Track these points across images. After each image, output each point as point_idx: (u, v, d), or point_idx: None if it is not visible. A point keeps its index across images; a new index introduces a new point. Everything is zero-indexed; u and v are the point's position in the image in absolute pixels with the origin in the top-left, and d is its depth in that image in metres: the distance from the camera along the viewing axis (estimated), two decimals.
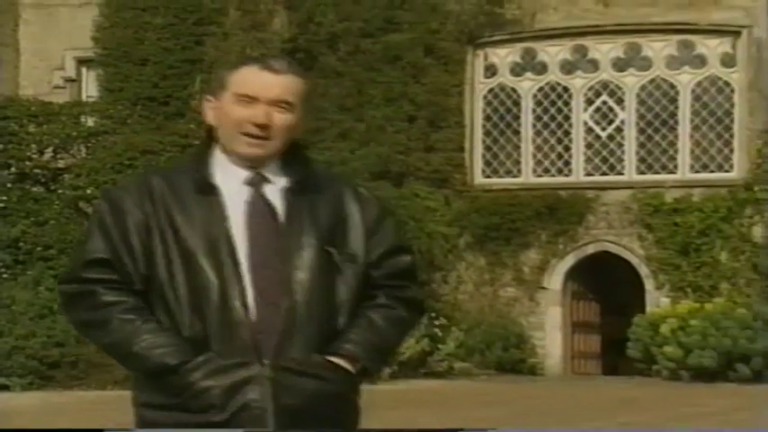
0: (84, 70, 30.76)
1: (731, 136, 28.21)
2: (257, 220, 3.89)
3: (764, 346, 25.30)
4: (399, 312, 4.03)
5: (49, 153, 27.58)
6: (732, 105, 28.19)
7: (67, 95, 29.93)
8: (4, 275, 25.56)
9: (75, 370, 23.39)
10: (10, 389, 22.78)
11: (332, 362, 3.86)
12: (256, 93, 3.89)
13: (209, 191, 3.90)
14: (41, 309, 24.22)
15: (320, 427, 3.83)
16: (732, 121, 28.18)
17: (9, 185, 27.10)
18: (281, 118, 3.91)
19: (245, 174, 3.94)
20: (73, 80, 30.62)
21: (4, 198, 26.81)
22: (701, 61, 28.43)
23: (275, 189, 3.94)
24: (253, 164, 3.94)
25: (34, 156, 27.58)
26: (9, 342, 23.51)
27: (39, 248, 26.01)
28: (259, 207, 3.91)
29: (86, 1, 29.86)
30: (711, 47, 28.38)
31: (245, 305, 3.80)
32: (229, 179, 3.93)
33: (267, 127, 3.89)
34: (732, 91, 28.21)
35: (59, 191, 27.02)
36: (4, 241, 26.03)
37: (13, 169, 27.35)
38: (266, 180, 3.94)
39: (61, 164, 27.48)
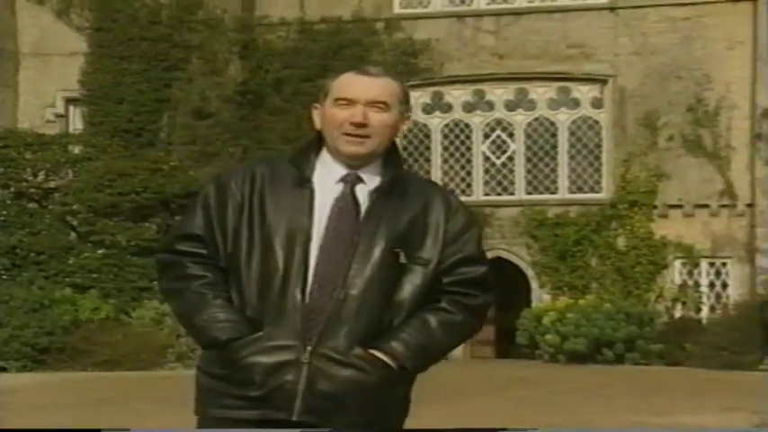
0: (71, 107, 30.52)
1: (600, 164, 28.38)
2: (338, 215, 3.54)
3: (625, 334, 25.51)
4: (457, 317, 3.59)
5: (41, 175, 27.49)
6: (600, 139, 28.37)
7: (57, 128, 29.72)
8: (3, 277, 25.68)
9: (62, 355, 23.38)
10: (7, 371, 22.90)
11: (372, 354, 3.47)
12: (354, 95, 3.58)
13: (302, 184, 3.57)
14: (34, 304, 24.27)
15: (355, 415, 3.46)
16: (600, 152, 28.37)
17: (8, 202, 27.13)
18: (377, 117, 3.57)
19: (342, 172, 3.60)
20: (62, 116, 30.38)
21: (4, 212, 26.91)
22: (575, 104, 28.60)
23: (366, 188, 3.58)
24: (355, 162, 3.60)
25: (29, 178, 27.51)
26: (6, 332, 23.62)
27: (32, 254, 26.02)
28: (344, 204, 3.55)
29: (74, 51, 29.78)
30: (584, 92, 28.56)
31: (302, 293, 3.47)
32: (327, 176, 3.59)
33: (365, 125, 3.56)
34: (600, 128, 28.38)
35: (50, 207, 27.19)
36: (3, 248, 26.00)
37: (11, 189, 27.31)
38: (360, 179, 3.59)
39: (52, 184, 27.43)
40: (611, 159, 28.07)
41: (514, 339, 27.02)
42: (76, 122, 30.38)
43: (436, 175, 28.95)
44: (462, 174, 29.09)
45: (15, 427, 12.52)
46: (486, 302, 3.67)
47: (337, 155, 3.61)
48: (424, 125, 29.28)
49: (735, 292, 27.13)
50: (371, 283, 3.48)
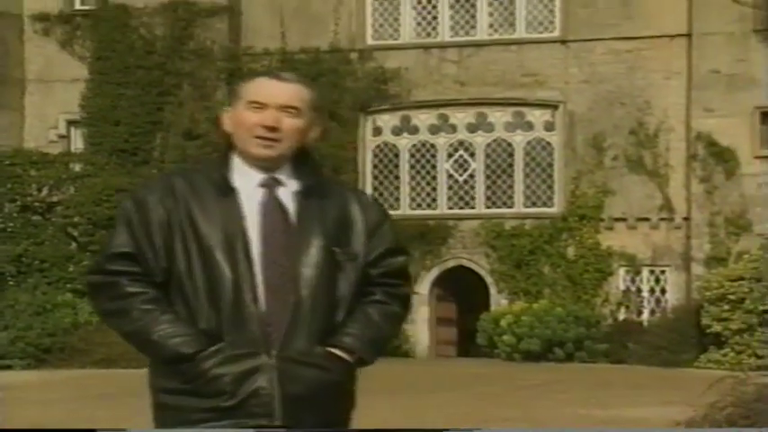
0: (73, 129, 30.39)
1: (552, 181, 28.42)
2: (270, 219, 3.32)
3: (574, 335, 25.56)
4: (394, 308, 3.45)
5: (45, 191, 27.34)
6: (552, 159, 28.39)
7: (60, 148, 29.59)
8: (10, 282, 25.52)
9: (63, 354, 23.30)
10: (13, 368, 22.82)
11: (332, 353, 3.31)
12: (266, 99, 3.35)
13: (227, 192, 3.34)
14: (38, 308, 24.24)
15: (320, 414, 3.29)
16: (552, 170, 28.39)
17: (14, 215, 26.96)
18: (289, 122, 3.35)
19: (260, 176, 3.37)
20: (64, 136, 30.24)
21: (11, 224, 26.75)
22: (529, 126, 28.61)
23: (287, 192, 3.37)
24: (266, 165, 3.37)
25: (34, 193, 27.36)
26: (12, 333, 23.62)
27: (36, 262, 25.85)
28: (272, 208, 3.34)
29: (76, 78, 29.72)
30: (537, 116, 28.58)
31: (255, 299, 3.24)
32: (246, 181, 3.36)
33: (276, 129, 3.33)
34: (552, 148, 28.41)
35: (53, 219, 26.99)
36: (9, 257, 25.84)
37: (17, 202, 27.11)
38: (279, 183, 3.38)
39: (54, 199, 27.28)
40: (562, 177, 28.13)
41: (475, 340, 27.00)
42: (77, 142, 30.25)
43: (405, 191, 29.00)
44: (428, 189, 29.09)
45: (17, 426, 12.40)
46: (409, 291, 3.57)
47: (248, 158, 3.39)
48: (394, 145, 29.29)
49: (672, 297, 27.21)
50: (319, 283, 3.31)
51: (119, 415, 13.35)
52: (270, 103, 3.35)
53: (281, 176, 3.39)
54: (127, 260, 3.33)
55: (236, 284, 3.24)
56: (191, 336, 3.24)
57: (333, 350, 3.31)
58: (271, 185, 3.37)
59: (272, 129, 3.34)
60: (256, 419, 3.23)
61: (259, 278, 3.26)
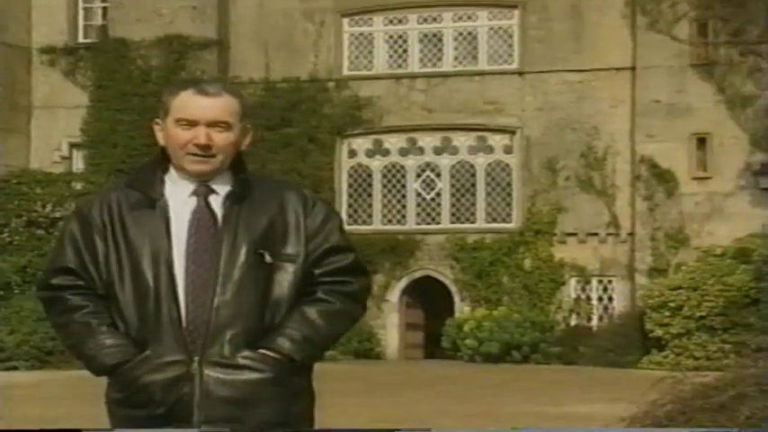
0: (74, 151, 30.30)
1: (510, 199, 28.46)
2: (198, 227, 3.04)
3: (530, 339, 25.59)
4: (336, 305, 3.09)
5: (48, 207, 27.25)
6: (511, 179, 28.44)
7: (63, 168, 29.53)
8: (15, 291, 25.40)
9: (64, 356, 22.93)
10: (18, 369, 22.77)
11: (260, 353, 3.00)
12: (195, 116, 3.04)
13: (155, 203, 3.06)
14: (41, 314, 23.69)
15: (265, 411, 3.00)
16: (511, 189, 28.44)
17: (20, 229, 26.85)
18: (220, 137, 3.05)
19: (191, 186, 3.09)
20: (67, 158, 30.16)
21: (17, 238, 26.68)
22: (490, 150, 28.67)
23: (220, 198, 3.08)
24: (201, 178, 3.09)
25: (39, 209, 27.24)
26: (18, 337, 23.53)
27: (40, 272, 25.27)
28: (201, 215, 3.06)
29: (77, 105, 29.75)
30: (497, 140, 28.64)
31: (176, 307, 2.98)
32: (179, 191, 3.08)
33: (209, 147, 3.03)
34: (511, 170, 28.46)
35: (55, 233, 26.67)
36: (15, 267, 25.72)
37: (23, 218, 27.02)
38: (211, 190, 3.08)
39: (57, 215, 27.08)
40: (519, 195, 28.16)
41: (440, 343, 26.96)
42: (79, 163, 30.17)
43: (377, 208, 28.97)
44: (398, 206, 29.06)
45: (17, 426, 12.27)
46: (362, 287, 3.20)
47: (184, 172, 3.11)
48: (367, 167, 29.26)
49: (618, 305, 27.26)
50: (242, 286, 3.01)
51: None
52: (199, 120, 3.06)
53: (215, 184, 3.11)
54: (70, 275, 3.11)
55: (157, 293, 3.01)
56: (118, 347, 3.02)
57: (262, 351, 3.01)
58: (202, 193, 3.09)
59: (205, 147, 3.05)
60: (184, 425, 2.98)
61: (181, 286, 3.01)
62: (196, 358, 2.97)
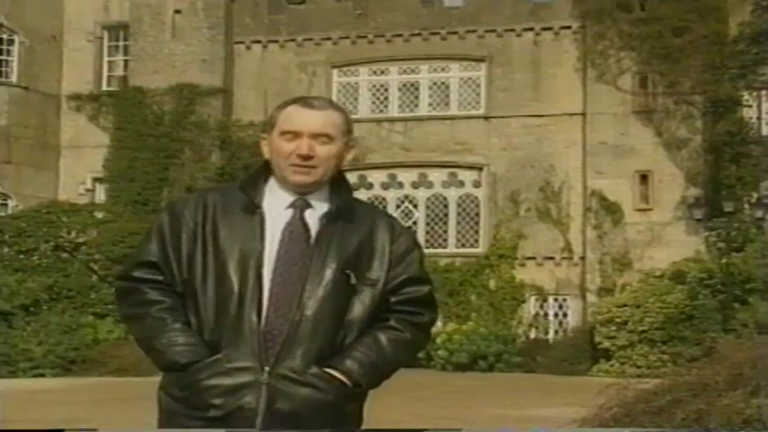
0: (97, 184, 30.27)
1: (478, 227, 28.49)
2: (290, 239, 2.75)
3: (495, 350, 25.49)
4: (405, 335, 2.80)
5: (73, 233, 27.04)
6: (479, 210, 28.48)
7: (86, 199, 29.46)
8: (44, 307, 25.17)
9: (85, 364, 23.02)
10: (45, 376, 22.40)
11: (328, 373, 2.70)
12: (299, 128, 2.78)
13: (253, 210, 2.77)
14: (65, 327, 23.97)
15: (311, 428, 2.69)
16: (479, 219, 28.48)
17: (48, 252, 26.58)
18: (322, 149, 2.78)
19: (290, 198, 2.80)
20: (90, 190, 30.12)
21: (45, 260, 26.38)
22: (461, 184, 28.73)
23: (315, 214, 2.79)
24: (301, 190, 2.80)
25: (64, 235, 27.02)
26: (45, 347, 23.25)
27: (65, 291, 25.52)
28: (294, 228, 2.76)
29: (100, 144, 29.81)
30: (467, 176, 28.71)
31: (258, 315, 2.68)
32: (276, 202, 2.80)
33: (311, 157, 2.76)
34: (479, 201, 28.52)
35: (78, 256, 26.67)
36: (43, 286, 25.47)
37: (51, 243, 26.76)
38: (308, 205, 2.79)
39: (80, 240, 26.97)
40: (485, 224, 28.20)
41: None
42: (100, 195, 30.09)
43: None
44: None
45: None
46: (431, 320, 2.90)
47: (285, 183, 2.82)
48: None
49: (572, 320, 27.27)
50: (324, 304, 2.71)
51: (129, 414, 13.11)
52: (303, 132, 2.79)
53: (314, 199, 2.81)
54: (151, 268, 2.82)
55: (241, 299, 2.70)
56: (191, 346, 2.71)
57: (329, 371, 2.71)
58: (299, 207, 2.80)
59: (307, 157, 2.77)
60: None
61: (266, 295, 2.71)
62: (267, 368, 2.67)
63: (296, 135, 2.78)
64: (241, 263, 2.71)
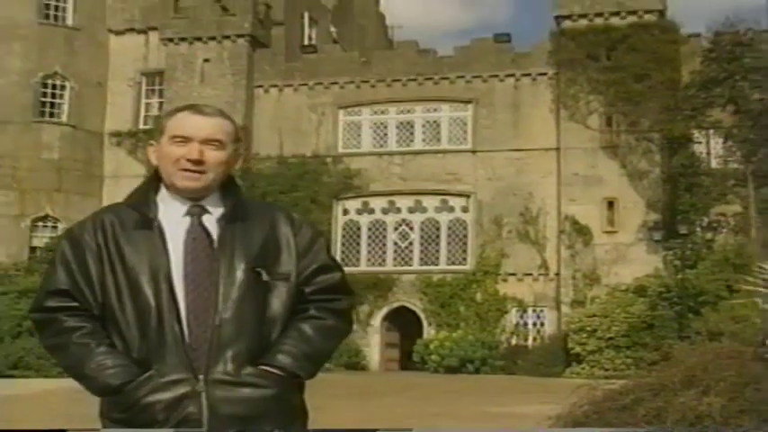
0: None
1: (466, 248, 28.50)
2: (194, 246, 2.40)
3: (481, 355, 25.50)
4: (328, 322, 2.47)
5: None
6: (467, 232, 28.50)
7: None
8: None
9: None
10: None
11: (264, 370, 2.37)
12: (189, 133, 2.43)
13: (149, 225, 2.41)
14: None
15: (269, 426, 2.36)
16: (467, 240, 28.50)
17: None
18: (213, 155, 2.43)
19: (184, 206, 2.44)
20: None
21: None
22: (451, 210, 28.77)
23: (212, 218, 2.44)
24: (192, 196, 2.45)
25: None
26: None
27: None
28: (196, 235, 2.41)
29: (137, 174, 29.47)
30: (457, 202, 28.74)
31: (179, 325, 2.33)
32: (172, 211, 2.43)
33: (201, 162, 2.41)
34: (467, 225, 28.54)
35: None
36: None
37: None
38: (205, 210, 2.44)
39: None
40: (473, 245, 28.22)
41: (412, 358, 26.82)
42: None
43: (363, 254, 28.91)
44: (380, 252, 29.06)
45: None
46: (350, 304, 2.55)
47: (175, 190, 2.45)
48: (356, 222, 29.30)
49: (548, 328, 27.25)
50: (242, 305, 2.38)
51: None
52: (193, 137, 2.44)
53: (207, 204, 2.46)
54: (64, 296, 2.42)
55: (160, 313, 2.34)
56: (121, 367, 2.34)
57: (264, 367, 2.38)
58: (196, 213, 2.44)
59: (197, 162, 2.42)
60: None
61: (182, 304, 2.36)
62: (201, 377, 2.33)
63: (186, 140, 2.43)
64: (152, 277, 2.37)
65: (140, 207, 2.44)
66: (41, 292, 2.47)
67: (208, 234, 2.42)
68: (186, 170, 2.42)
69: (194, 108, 2.50)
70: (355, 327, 33.25)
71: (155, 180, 2.49)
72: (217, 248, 2.40)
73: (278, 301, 2.44)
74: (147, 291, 2.36)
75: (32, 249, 28.94)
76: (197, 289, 2.37)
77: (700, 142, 27.06)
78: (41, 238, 29.06)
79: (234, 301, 2.37)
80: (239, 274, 2.39)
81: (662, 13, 27.69)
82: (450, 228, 28.69)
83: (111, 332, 2.40)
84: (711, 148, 27.03)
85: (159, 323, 2.35)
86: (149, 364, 2.34)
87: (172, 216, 2.43)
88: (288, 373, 2.39)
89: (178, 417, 2.32)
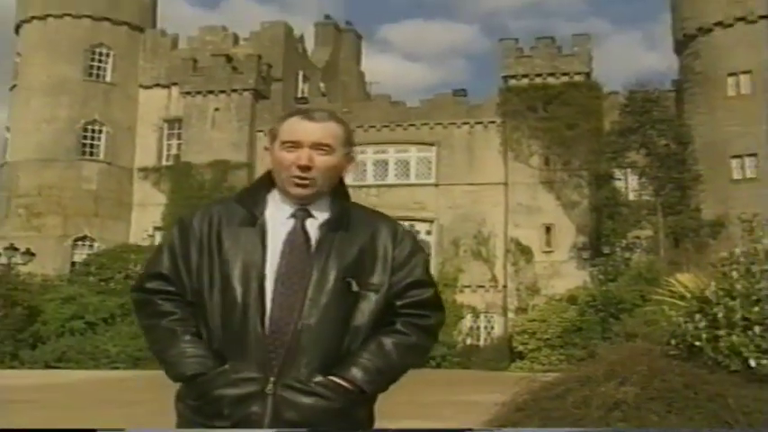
0: (156, 232, 30.14)
1: (428, 264, 28.23)
2: (291, 248, 2.06)
3: (441, 352, 24.97)
4: (411, 338, 2.09)
5: (139, 266, 26.90)
6: (429, 251, 28.34)
7: (149, 242, 29.30)
8: (117, 320, 25.27)
9: (147, 361, 22.48)
10: (118, 368, 22.28)
11: (333, 381, 2.01)
12: (299, 138, 2.10)
13: (253, 221, 2.08)
14: (133, 334, 23.50)
15: None
16: (429, 258, 28.34)
17: (121, 279, 26.44)
18: (322, 159, 2.09)
19: (292, 208, 2.11)
20: (151, 236, 29.99)
21: (118, 285, 26.15)
22: (417, 232, 28.53)
23: (316, 223, 2.09)
24: (301, 201, 2.11)
25: (132, 267, 26.84)
26: (119, 348, 23.29)
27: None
28: (296, 238, 2.07)
29: (159, 203, 29.86)
30: (422, 227, 28.63)
31: (262, 325, 2.00)
32: (279, 212, 2.10)
33: (310, 168, 2.08)
34: (430, 246, 28.27)
35: None
36: (117, 304, 25.24)
37: (122, 273, 26.71)
38: (309, 214, 2.10)
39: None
40: (435, 262, 28.10)
41: None
42: (158, 239, 29.96)
43: None
44: None
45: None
46: (437, 322, 2.17)
47: (286, 194, 2.13)
48: None
49: (497, 331, 27.23)
50: (327, 312, 2.03)
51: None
52: (303, 142, 2.10)
53: (314, 208, 2.12)
54: (163, 280, 2.12)
55: (245, 309, 2.02)
56: (199, 358, 2.05)
57: (334, 379, 2.02)
58: (300, 216, 2.11)
59: (306, 168, 2.09)
60: None
61: (269, 304, 2.03)
62: (272, 378, 2.00)
63: (296, 145, 2.11)
64: (244, 274, 2.05)
65: (248, 204, 2.13)
66: (144, 272, 2.18)
67: (307, 238, 2.08)
68: (296, 177, 2.10)
69: (304, 113, 2.16)
70: None
71: (267, 179, 2.17)
72: (313, 253, 2.06)
73: (364, 313, 2.07)
74: (237, 286, 2.04)
75: (73, 264, 29.01)
76: (286, 291, 2.03)
77: (620, 179, 27.41)
78: (81, 255, 29.25)
79: (320, 308, 2.03)
80: (330, 281, 2.05)
81: (588, 74, 28.13)
82: None
83: (199, 320, 2.09)
84: (629, 184, 27.38)
85: (243, 319, 2.02)
86: (226, 358, 2.04)
87: (278, 216, 2.11)
88: (356, 387, 2.03)
89: (241, 414, 2.00)
